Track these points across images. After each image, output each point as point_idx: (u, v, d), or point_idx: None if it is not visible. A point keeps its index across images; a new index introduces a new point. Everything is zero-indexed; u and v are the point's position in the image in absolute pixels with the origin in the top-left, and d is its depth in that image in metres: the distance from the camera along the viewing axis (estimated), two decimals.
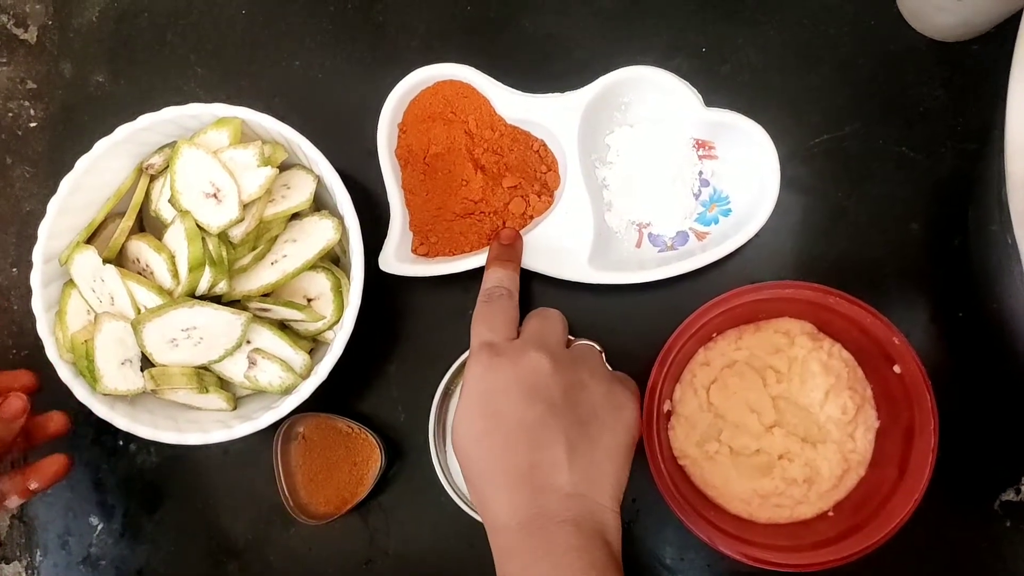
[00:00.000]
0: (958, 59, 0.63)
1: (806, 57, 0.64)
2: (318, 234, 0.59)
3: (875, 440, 0.58)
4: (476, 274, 0.61)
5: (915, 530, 0.53)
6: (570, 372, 0.50)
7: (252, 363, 0.57)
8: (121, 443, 0.66)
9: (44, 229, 0.57)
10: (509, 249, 0.58)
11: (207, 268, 0.55)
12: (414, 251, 0.62)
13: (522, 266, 0.60)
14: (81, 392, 0.56)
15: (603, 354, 0.57)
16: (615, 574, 0.46)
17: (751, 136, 0.60)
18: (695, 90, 0.61)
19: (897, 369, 0.55)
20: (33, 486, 0.56)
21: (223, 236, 0.56)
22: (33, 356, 0.66)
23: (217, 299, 0.57)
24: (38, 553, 0.66)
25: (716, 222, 0.63)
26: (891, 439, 0.57)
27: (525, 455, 0.48)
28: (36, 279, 0.57)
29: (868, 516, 0.54)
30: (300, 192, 0.59)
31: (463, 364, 0.62)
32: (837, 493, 0.57)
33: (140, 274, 0.57)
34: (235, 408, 0.59)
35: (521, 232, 0.61)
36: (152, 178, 0.59)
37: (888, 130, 0.63)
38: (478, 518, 0.60)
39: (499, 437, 0.48)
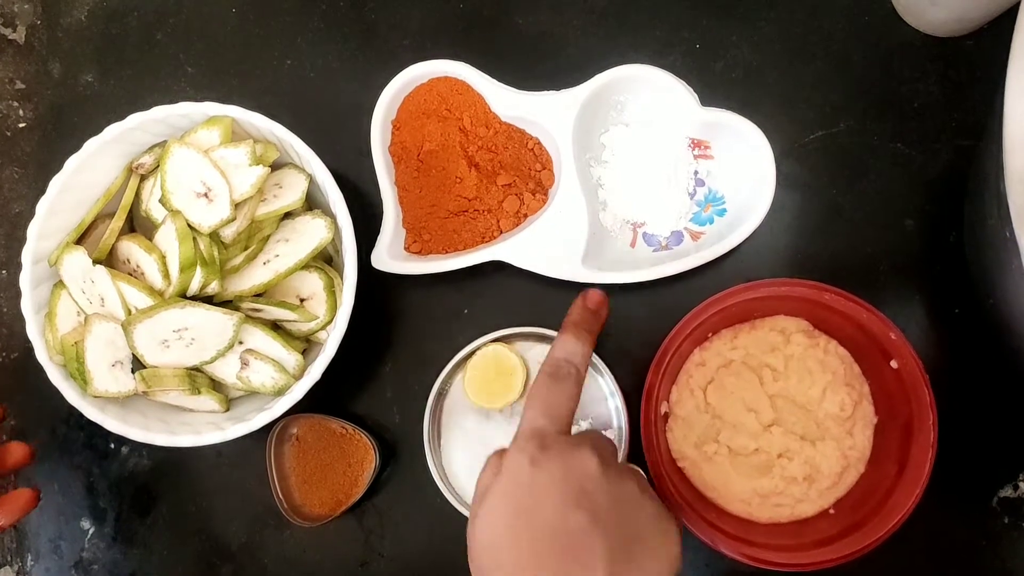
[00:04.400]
0: (952, 54, 0.63)
1: (800, 53, 0.64)
2: (310, 233, 0.58)
3: (874, 436, 0.58)
4: (470, 272, 0.61)
5: (913, 527, 0.53)
6: (620, 482, 0.44)
7: (245, 364, 0.57)
8: (112, 446, 0.65)
9: (33, 230, 0.56)
10: (592, 316, 0.51)
11: (198, 268, 0.55)
12: (407, 248, 0.62)
13: (516, 264, 0.60)
14: (72, 395, 0.55)
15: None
16: None
17: (748, 137, 0.60)
18: (691, 89, 0.60)
19: (894, 364, 0.55)
20: (2, 521, 0.54)
21: (214, 236, 0.56)
22: (23, 359, 0.66)
23: (209, 299, 0.57)
24: (29, 558, 0.66)
25: (711, 222, 0.62)
26: (890, 435, 0.56)
27: (554, 565, 0.41)
28: (25, 280, 0.56)
29: (869, 513, 0.54)
30: (292, 191, 0.58)
31: (458, 364, 0.61)
32: (837, 490, 0.57)
33: (131, 275, 0.56)
34: (227, 410, 0.59)
35: (515, 230, 0.61)
36: (142, 178, 0.59)
37: (883, 126, 0.63)
38: None
39: (526, 538, 0.41)
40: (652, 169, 0.62)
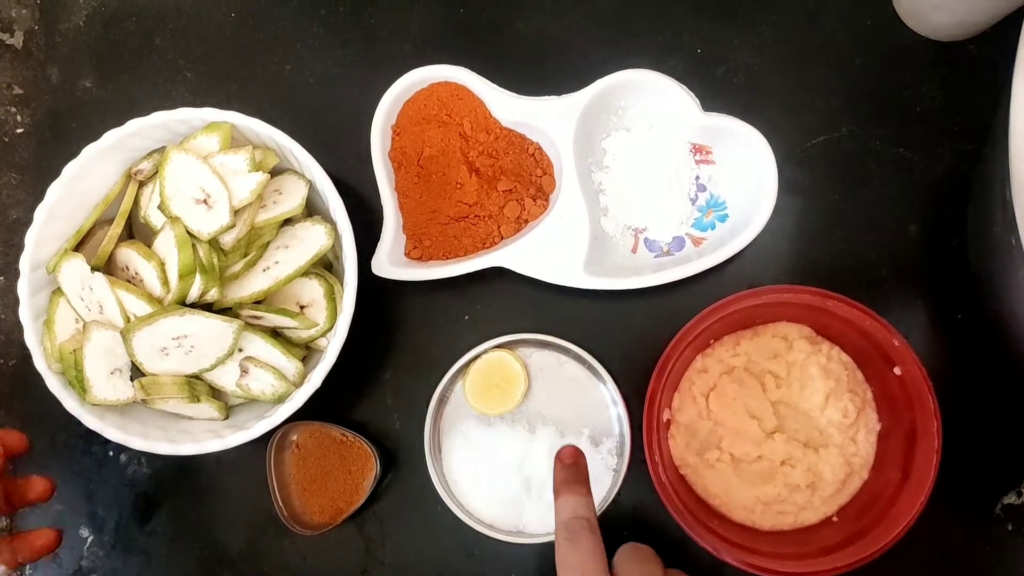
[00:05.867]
0: (955, 59, 0.62)
1: (801, 58, 0.64)
2: (310, 240, 0.58)
3: (877, 443, 0.57)
4: (471, 279, 0.61)
5: (917, 534, 0.52)
6: None
7: (244, 371, 0.56)
8: (111, 454, 0.65)
9: (31, 237, 0.56)
10: (574, 469, 0.52)
11: (198, 275, 0.54)
12: (407, 255, 0.62)
13: (517, 270, 0.60)
14: (70, 403, 0.55)
15: None
16: None
17: (749, 142, 0.59)
18: (692, 94, 0.60)
19: (897, 371, 0.55)
20: (20, 558, 0.52)
21: (214, 243, 0.56)
22: (21, 366, 0.65)
23: (208, 307, 0.57)
24: (28, 566, 0.65)
25: (712, 228, 0.62)
26: (893, 442, 0.56)
27: None
28: (23, 288, 0.56)
29: (873, 520, 0.54)
30: (292, 197, 0.58)
31: (459, 370, 0.61)
32: (841, 497, 0.57)
33: (129, 282, 0.56)
34: (227, 417, 0.59)
35: (516, 236, 0.61)
36: (141, 184, 0.59)
37: (885, 131, 0.63)
38: (475, 526, 0.59)
39: None
40: (653, 174, 0.62)
